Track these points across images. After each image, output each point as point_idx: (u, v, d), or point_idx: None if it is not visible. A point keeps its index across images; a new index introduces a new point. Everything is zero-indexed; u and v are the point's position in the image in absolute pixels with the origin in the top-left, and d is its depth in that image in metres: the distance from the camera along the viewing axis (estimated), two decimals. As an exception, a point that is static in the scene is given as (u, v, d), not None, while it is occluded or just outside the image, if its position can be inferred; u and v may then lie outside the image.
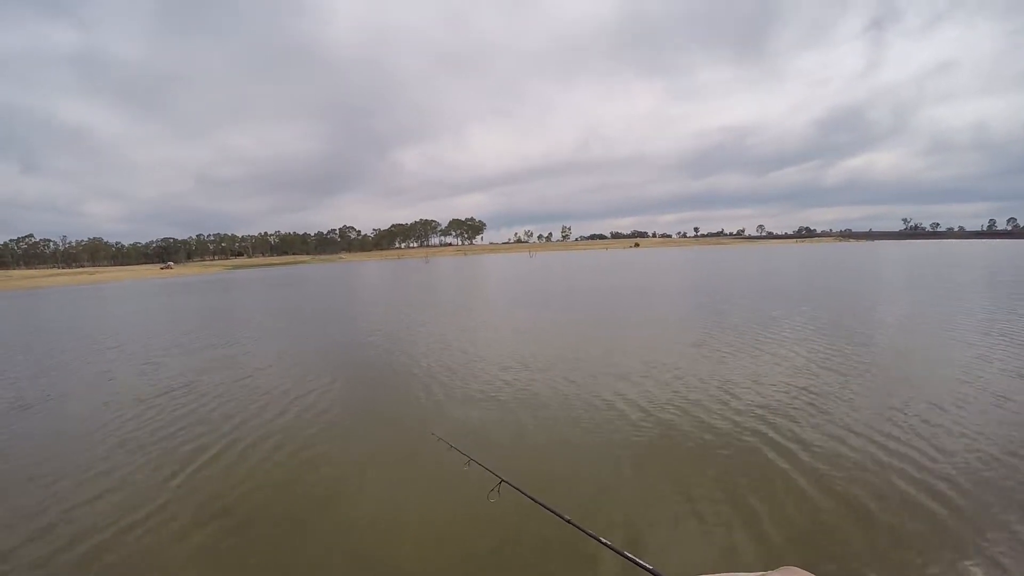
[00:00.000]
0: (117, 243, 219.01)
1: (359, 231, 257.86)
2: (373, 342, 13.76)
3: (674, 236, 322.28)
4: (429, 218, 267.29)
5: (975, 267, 33.26)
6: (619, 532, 4.45)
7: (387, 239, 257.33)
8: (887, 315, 14.81)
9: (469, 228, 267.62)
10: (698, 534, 4.38)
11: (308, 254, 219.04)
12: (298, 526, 4.81)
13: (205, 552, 4.48)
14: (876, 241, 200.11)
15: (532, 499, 2.25)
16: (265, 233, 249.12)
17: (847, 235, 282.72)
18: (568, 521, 1.95)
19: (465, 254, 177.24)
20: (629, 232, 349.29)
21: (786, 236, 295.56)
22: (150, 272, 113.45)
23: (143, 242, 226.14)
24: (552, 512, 2.03)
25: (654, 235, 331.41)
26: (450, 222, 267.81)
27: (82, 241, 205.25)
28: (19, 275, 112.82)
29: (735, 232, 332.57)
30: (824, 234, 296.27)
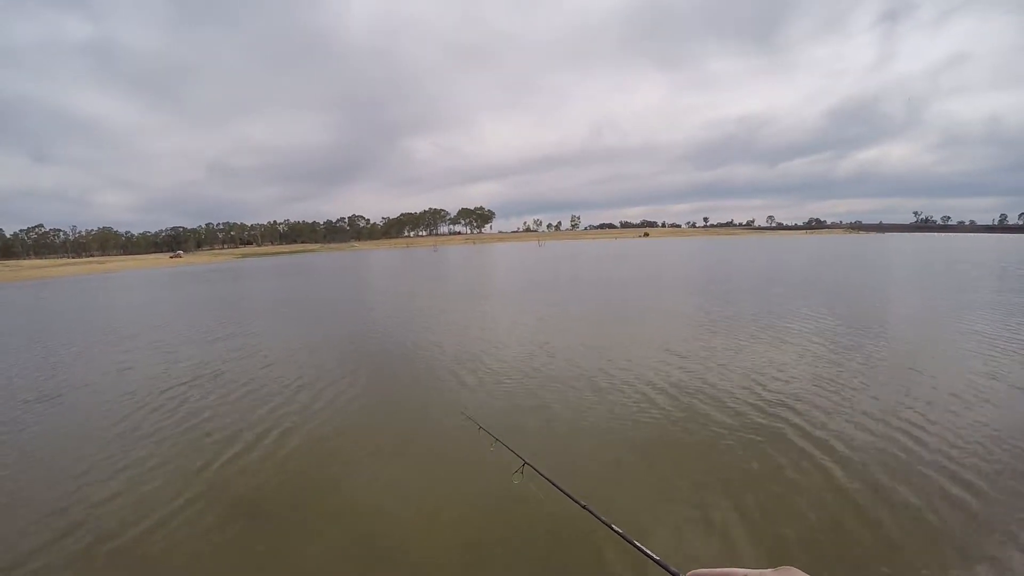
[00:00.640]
0: (127, 232, 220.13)
1: (368, 220, 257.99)
2: (393, 329, 13.57)
3: (684, 226, 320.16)
4: (438, 207, 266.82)
5: (989, 262, 32.68)
6: (632, 521, 4.48)
7: (396, 228, 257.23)
8: (906, 308, 14.47)
9: (478, 217, 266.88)
10: (708, 528, 4.39)
11: (317, 243, 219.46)
12: (330, 507, 4.89)
13: (241, 545, 4.30)
14: (886, 234, 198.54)
15: (552, 483, 2.32)
16: (274, 222, 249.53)
17: (857, 227, 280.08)
18: (584, 507, 2.01)
19: (474, 243, 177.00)
20: (639, 222, 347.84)
21: (796, 227, 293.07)
22: (160, 261, 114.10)
23: (152, 231, 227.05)
24: (570, 497, 2.09)
25: (664, 225, 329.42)
26: (459, 211, 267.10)
27: (92, 231, 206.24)
28: (29, 264, 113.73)
29: (745, 223, 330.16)
30: (834, 226, 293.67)
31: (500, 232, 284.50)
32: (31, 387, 9.78)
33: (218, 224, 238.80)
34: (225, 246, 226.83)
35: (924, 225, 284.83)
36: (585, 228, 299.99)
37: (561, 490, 2.19)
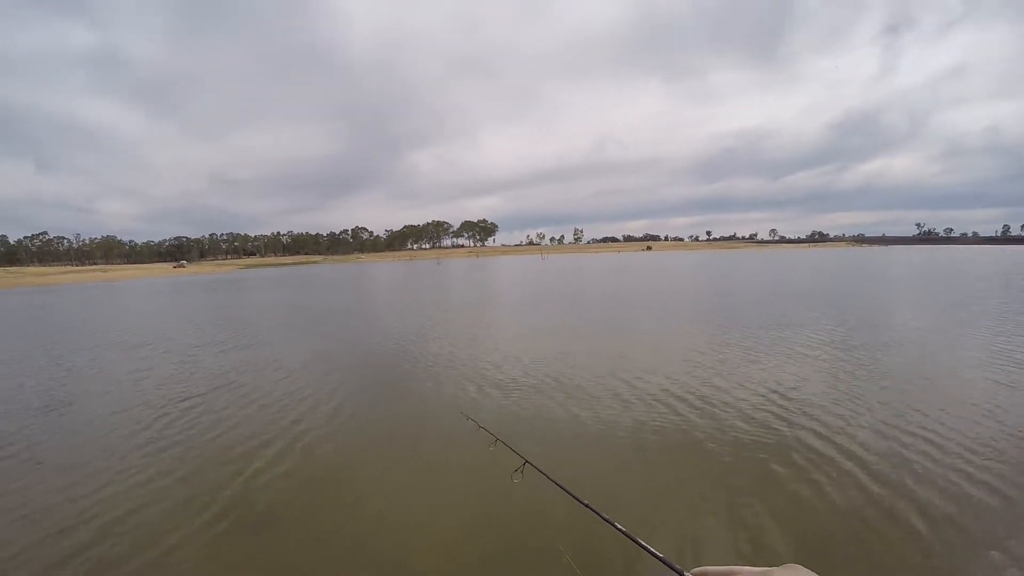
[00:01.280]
0: (130, 241, 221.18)
1: (371, 232, 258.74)
2: (400, 340, 13.27)
3: (686, 239, 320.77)
4: (441, 220, 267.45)
5: (997, 273, 32.31)
6: (634, 520, 4.52)
7: (399, 240, 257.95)
8: (921, 320, 14.15)
9: (481, 230, 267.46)
10: (711, 528, 4.41)
11: (320, 254, 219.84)
12: (340, 514, 4.83)
13: (271, 562, 4.07)
14: (889, 246, 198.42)
15: (553, 481, 2.30)
16: (277, 233, 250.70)
17: (860, 240, 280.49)
18: (586, 505, 2.00)
19: (477, 256, 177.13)
20: (641, 235, 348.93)
21: (799, 240, 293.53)
22: (163, 271, 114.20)
23: (156, 241, 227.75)
24: (571, 495, 2.08)
25: (666, 238, 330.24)
26: (462, 224, 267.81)
27: (96, 239, 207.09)
28: (32, 271, 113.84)
29: (747, 236, 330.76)
30: (837, 239, 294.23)
31: (503, 245, 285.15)
32: (43, 395, 9.46)
33: (221, 235, 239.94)
34: (228, 256, 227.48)
35: (927, 237, 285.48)
36: (588, 242, 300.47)
37: (563, 488, 2.17)
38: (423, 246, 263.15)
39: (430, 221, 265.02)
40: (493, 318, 17.75)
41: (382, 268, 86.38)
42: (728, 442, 6.10)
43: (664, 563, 1.24)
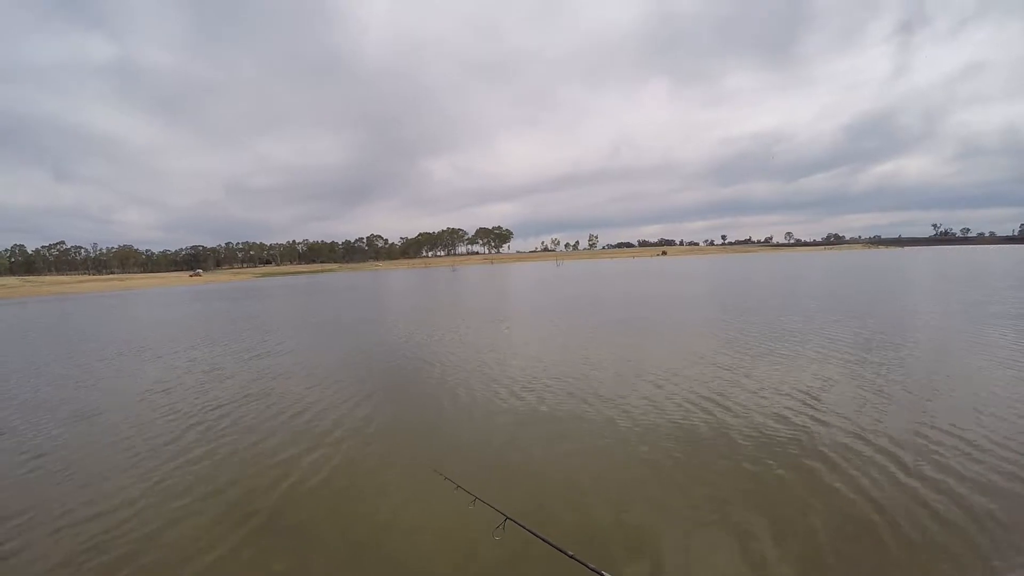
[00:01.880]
0: (147, 250, 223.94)
1: (386, 240, 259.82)
2: (420, 352, 13.08)
3: (701, 244, 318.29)
4: (456, 227, 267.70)
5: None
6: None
7: (414, 248, 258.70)
8: (939, 328, 13.60)
9: (496, 237, 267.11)
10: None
11: (335, 262, 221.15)
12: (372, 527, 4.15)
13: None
14: (906, 248, 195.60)
15: (536, 535, 2.24)
16: (293, 241, 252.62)
17: (876, 242, 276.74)
18: (571, 556, 1.94)
19: (492, 262, 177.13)
20: (656, 240, 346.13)
21: (814, 243, 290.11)
22: (179, 280, 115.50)
23: (172, 250, 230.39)
24: (555, 548, 2.02)
25: (681, 243, 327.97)
26: (477, 231, 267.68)
27: (112, 248, 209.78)
28: (50, 280, 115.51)
29: (763, 239, 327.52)
30: (853, 241, 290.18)
31: (518, 252, 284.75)
32: (71, 404, 9.37)
33: (237, 243, 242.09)
34: (244, 265, 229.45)
35: (944, 238, 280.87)
36: (603, 247, 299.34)
37: (547, 542, 2.11)
38: (438, 253, 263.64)
39: (445, 228, 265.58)
40: (510, 330, 17.39)
41: (398, 275, 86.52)
42: (747, 454, 5.79)
43: None
